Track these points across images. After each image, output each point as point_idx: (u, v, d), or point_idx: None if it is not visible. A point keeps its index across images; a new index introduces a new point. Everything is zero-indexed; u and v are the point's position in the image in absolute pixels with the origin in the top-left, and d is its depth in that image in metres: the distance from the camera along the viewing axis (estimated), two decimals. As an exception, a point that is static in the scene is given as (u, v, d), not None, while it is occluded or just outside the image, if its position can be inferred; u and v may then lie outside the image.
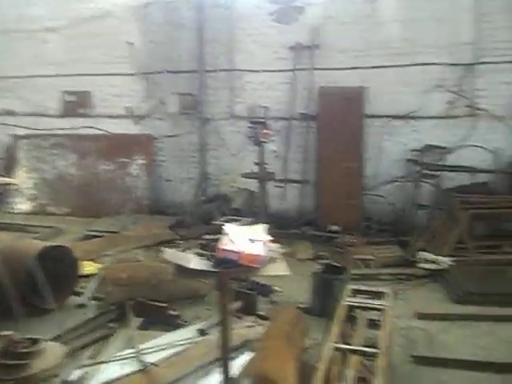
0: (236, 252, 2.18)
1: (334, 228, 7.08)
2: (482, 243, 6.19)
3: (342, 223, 7.07)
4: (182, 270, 2.28)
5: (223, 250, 2.18)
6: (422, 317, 4.49)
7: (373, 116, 7.48)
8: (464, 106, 7.27)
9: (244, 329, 3.83)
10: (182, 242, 6.67)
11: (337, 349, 2.61)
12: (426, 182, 7.21)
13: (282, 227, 7.25)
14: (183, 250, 2.86)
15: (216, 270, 2.23)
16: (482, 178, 7.20)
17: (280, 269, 2.37)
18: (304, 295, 4.78)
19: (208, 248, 2.33)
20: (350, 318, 3.19)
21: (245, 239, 2.24)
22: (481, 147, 7.16)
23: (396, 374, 3.59)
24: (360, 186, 7.35)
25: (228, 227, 2.40)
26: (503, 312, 4.52)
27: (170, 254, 2.64)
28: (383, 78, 7.40)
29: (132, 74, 8.52)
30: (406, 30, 7.22)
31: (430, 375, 3.59)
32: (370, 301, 3.34)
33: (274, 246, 2.56)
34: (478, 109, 7.20)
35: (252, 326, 3.96)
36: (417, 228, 6.61)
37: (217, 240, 2.26)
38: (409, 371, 3.65)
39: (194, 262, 2.25)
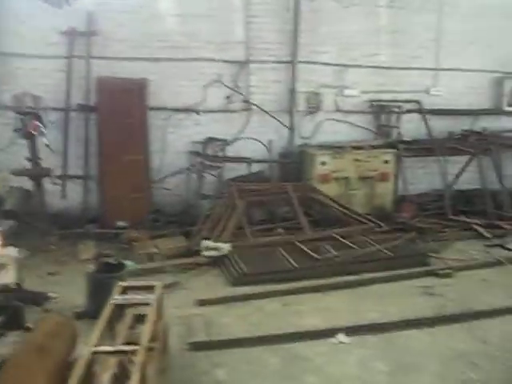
0: None
1: (121, 224, 6.87)
2: (259, 227, 6.77)
3: (129, 218, 6.89)
4: None
5: None
6: (202, 303, 4.67)
7: (157, 108, 7.45)
8: (240, 101, 7.80)
9: (5, 347, 3.39)
10: None
11: (95, 352, 2.49)
12: (209, 173, 7.55)
13: (65, 227, 6.77)
14: None
15: None
16: (258, 167, 7.86)
17: (6, 277, 2.12)
18: (83, 298, 4.50)
19: None
20: (120, 317, 3.09)
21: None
22: (255, 139, 7.78)
23: (173, 364, 3.64)
24: (146, 179, 7.27)
25: None
26: (271, 288, 4.99)
27: None
28: (165, 71, 7.41)
29: None
30: (184, 25, 7.37)
31: (206, 359, 3.74)
32: (139, 296, 3.29)
33: (6, 251, 2.28)
34: (252, 104, 7.80)
35: (17, 342, 3.53)
36: (201, 218, 6.82)
37: None
38: (185, 359, 3.73)
39: None
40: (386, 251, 5.86)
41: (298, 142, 8.05)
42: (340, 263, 5.55)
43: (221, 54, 7.62)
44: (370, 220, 6.85)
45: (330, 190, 7.32)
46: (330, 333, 4.08)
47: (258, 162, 7.76)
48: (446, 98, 8.64)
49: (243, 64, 7.73)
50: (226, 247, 5.79)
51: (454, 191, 8.39)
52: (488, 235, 6.79)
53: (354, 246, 5.86)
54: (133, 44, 7.27)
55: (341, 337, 4.04)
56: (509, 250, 6.34)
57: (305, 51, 7.88)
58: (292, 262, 5.51)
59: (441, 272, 5.47)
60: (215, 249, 5.78)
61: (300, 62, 7.82)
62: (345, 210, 6.98)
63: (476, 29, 8.44)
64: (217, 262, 5.74)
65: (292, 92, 7.83)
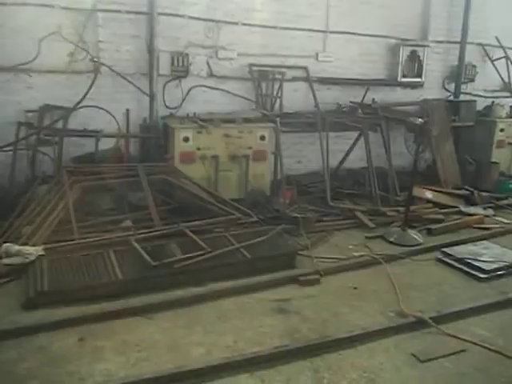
0: None
1: None
2: (100, 220, 5.43)
3: None
4: None
5: None
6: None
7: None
8: (87, 59, 6.28)
9: None
10: None
11: None
12: (43, 152, 6.04)
13: None
14: None
15: None
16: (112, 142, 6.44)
17: None
18: None
19: None
20: None
21: None
22: (101, 108, 6.31)
23: None
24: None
25: None
26: (73, 313, 3.70)
27: None
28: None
29: None
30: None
31: None
32: None
33: None
34: (102, 64, 6.31)
35: None
36: (16, 211, 5.31)
37: None
38: None
39: None
40: (244, 251, 4.76)
41: (164, 112, 6.72)
42: (180, 271, 4.38)
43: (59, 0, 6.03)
44: (237, 209, 5.74)
45: (195, 171, 6.09)
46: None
47: (108, 136, 6.32)
48: (338, 65, 7.65)
49: (89, 13, 6.19)
50: (34, 252, 4.40)
51: (344, 170, 7.55)
52: (371, 225, 5.93)
53: (205, 246, 4.69)
54: None
55: (136, 395, 2.89)
56: (389, 242, 5.51)
57: (168, 1, 6.47)
58: (117, 271, 4.25)
59: (304, 279, 4.47)
60: (19, 254, 4.39)
61: (161, 13, 6.40)
62: (208, 197, 5.81)
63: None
64: (21, 273, 4.35)
65: (151, 51, 6.41)
